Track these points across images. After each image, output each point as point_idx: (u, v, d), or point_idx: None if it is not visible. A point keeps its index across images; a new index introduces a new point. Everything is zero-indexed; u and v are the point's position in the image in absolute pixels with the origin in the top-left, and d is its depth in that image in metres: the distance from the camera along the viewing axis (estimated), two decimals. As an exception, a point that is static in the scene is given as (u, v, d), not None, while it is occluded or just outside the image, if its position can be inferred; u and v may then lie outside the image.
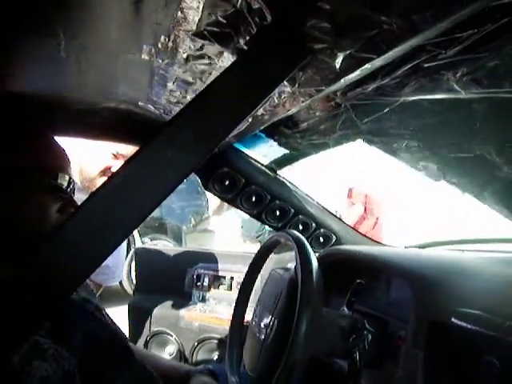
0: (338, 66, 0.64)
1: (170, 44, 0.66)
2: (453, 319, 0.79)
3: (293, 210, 1.50)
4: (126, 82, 0.85)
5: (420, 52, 0.67)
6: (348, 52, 0.60)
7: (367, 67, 0.64)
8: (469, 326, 0.76)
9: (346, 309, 1.08)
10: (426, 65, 0.71)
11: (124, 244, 2.19)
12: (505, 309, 0.77)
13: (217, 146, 0.61)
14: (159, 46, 0.66)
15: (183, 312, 2.11)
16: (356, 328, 0.99)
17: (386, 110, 0.93)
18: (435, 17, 0.50)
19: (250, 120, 1.00)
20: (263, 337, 1.00)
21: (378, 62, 0.62)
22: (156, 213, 4.73)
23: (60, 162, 0.91)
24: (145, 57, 0.70)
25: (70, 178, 0.91)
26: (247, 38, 0.60)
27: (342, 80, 0.69)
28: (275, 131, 1.23)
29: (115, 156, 1.50)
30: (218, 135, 0.61)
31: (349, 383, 1.11)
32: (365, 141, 1.17)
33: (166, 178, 0.59)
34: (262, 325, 1.03)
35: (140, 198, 0.58)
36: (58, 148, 0.93)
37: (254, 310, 1.14)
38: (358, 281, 1.06)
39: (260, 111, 0.92)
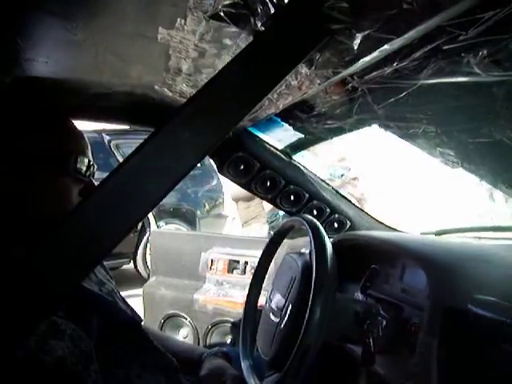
0: (355, 47, 0.62)
1: (186, 26, 0.65)
2: (469, 306, 0.78)
3: (307, 195, 1.49)
4: (141, 66, 0.84)
5: (440, 33, 0.65)
6: (366, 32, 0.59)
7: (386, 48, 0.63)
8: (485, 313, 0.75)
9: (360, 294, 1.08)
10: (446, 47, 0.69)
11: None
12: (522, 296, 0.76)
13: (232, 127, 0.61)
14: (175, 28, 0.66)
15: (197, 295, 2.13)
16: (370, 314, 0.99)
17: (403, 94, 0.91)
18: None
19: (265, 103, 0.99)
20: (277, 321, 1.00)
21: (397, 42, 0.61)
22: (171, 198, 4.75)
23: (79, 145, 0.92)
24: (161, 39, 0.70)
25: (90, 161, 0.91)
26: (264, 19, 0.59)
27: (359, 62, 0.68)
28: (290, 115, 1.22)
29: None
30: (234, 117, 0.61)
31: (362, 369, 1.11)
32: (381, 126, 1.16)
33: (181, 160, 0.58)
34: (276, 309, 1.03)
35: (156, 179, 0.58)
36: (76, 131, 0.93)
37: (268, 294, 1.14)
38: (373, 266, 1.06)
39: (276, 94, 0.91)
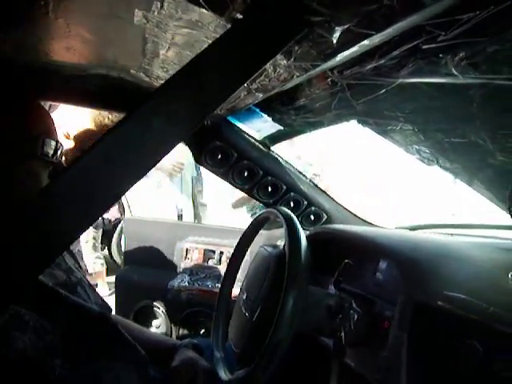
0: (335, 40, 0.62)
1: (163, 10, 0.63)
2: (439, 302, 0.79)
3: (285, 187, 1.49)
4: (117, 49, 0.82)
5: (419, 32, 0.65)
6: (346, 26, 0.58)
7: (365, 44, 0.62)
8: (454, 310, 0.76)
9: (333, 288, 1.08)
10: (425, 46, 0.69)
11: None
12: (490, 294, 0.78)
13: (205, 118, 0.59)
14: (152, 11, 0.64)
15: (171, 285, 2.11)
16: (343, 307, 1.00)
17: (382, 92, 0.91)
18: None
19: (244, 93, 0.97)
20: (249, 313, 1.00)
21: (376, 38, 0.61)
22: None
23: (47, 127, 0.90)
24: (137, 22, 0.68)
25: (58, 143, 0.89)
26: (242, 6, 0.58)
27: (338, 56, 0.67)
28: (270, 107, 1.21)
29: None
30: (209, 105, 0.59)
31: (334, 361, 1.12)
32: (359, 122, 1.16)
33: (152, 148, 0.57)
34: (249, 301, 1.03)
35: (124, 167, 0.57)
36: (45, 113, 0.91)
37: (242, 286, 1.14)
38: (346, 261, 1.06)
39: (254, 84, 0.90)
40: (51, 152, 0.87)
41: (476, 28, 0.61)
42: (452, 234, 1.48)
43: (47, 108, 1.08)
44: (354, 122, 1.18)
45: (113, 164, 0.57)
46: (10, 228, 0.54)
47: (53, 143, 0.88)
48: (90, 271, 3.85)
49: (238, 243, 1.27)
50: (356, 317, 0.98)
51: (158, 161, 0.59)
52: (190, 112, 0.58)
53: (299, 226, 0.96)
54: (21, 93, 0.89)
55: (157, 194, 3.23)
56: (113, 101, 1.14)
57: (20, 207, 0.56)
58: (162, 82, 0.95)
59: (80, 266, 1.04)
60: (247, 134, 1.40)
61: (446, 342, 0.78)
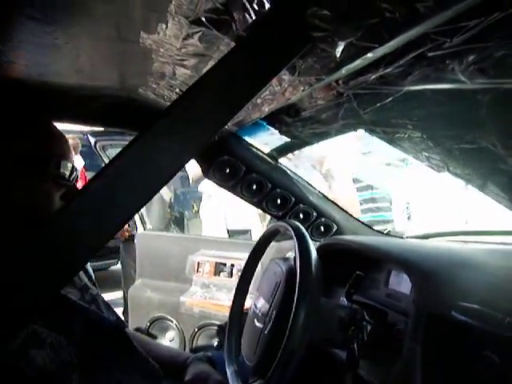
0: (338, 54, 0.62)
1: (168, 31, 0.64)
2: (453, 313, 0.78)
3: (294, 199, 1.49)
4: (124, 69, 0.84)
5: (424, 41, 0.65)
6: (349, 40, 0.59)
7: (368, 56, 0.62)
8: (469, 321, 0.75)
9: (345, 299, 1.08)
10: (431, 54, 0.69)
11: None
12: (506, 304, 0.76)
13: (215, 135, 0.60)
14: (157, 32, 0.65)
15: (184, 298, 2.12)
16: (355, 319, 0.99)
17: (388, 100, 0.90)
18: (439, 5, 0.49)
19: (249, 108, 0.98)
20: (261, 326, 1.00)
21: (380, 51, 0.61)
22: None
23: (62, 149, 0.90)
24: (143, 43, 0.69)
25: (73, 166, 0.90)
26: (246, 25, 0.59)
27: (342, 69, 0.68)
28: (276, 119, 1.22)
29: None
30: (216, 124, 0.60)
31: (346, 373, 1.11)
32: (366, 130, 1.15)
33: (162, 168, 0.58)
34: (261, 314, 1.03)
35: (135, 187, 0.57)
36: (59, 135, 0.92)
37: (253, 299, 1.13)
38: (357, 272, 1.05)
39: (260, 99, 0.91)
40: (67, 174, 0.88)
41: (482, 33, 0.60)
42: (465, 242, 1.46)
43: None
44: (361, 131, 1.18)
45: (126, 183, 0.57)
46: (27, 248, 0.55)
47: (69, 165, 0.88)
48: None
49: (249, 256, 1.27)
50: (369, 328, 0.98)
51: (170, 179, 0.60)
52: (199, 130, 0.59)
53: (309, 238, 0.96)
54: (34, 114, 0.90)
55: (207, 207, 3.01)
56: (124, 119, 1.15)
57: (36, 227, 0.57)
58: (169, 99, 0.96)
59: (94, 283, 1.05)
60: (255, 147, 1.41)
61: (461, 354, 0.77)
